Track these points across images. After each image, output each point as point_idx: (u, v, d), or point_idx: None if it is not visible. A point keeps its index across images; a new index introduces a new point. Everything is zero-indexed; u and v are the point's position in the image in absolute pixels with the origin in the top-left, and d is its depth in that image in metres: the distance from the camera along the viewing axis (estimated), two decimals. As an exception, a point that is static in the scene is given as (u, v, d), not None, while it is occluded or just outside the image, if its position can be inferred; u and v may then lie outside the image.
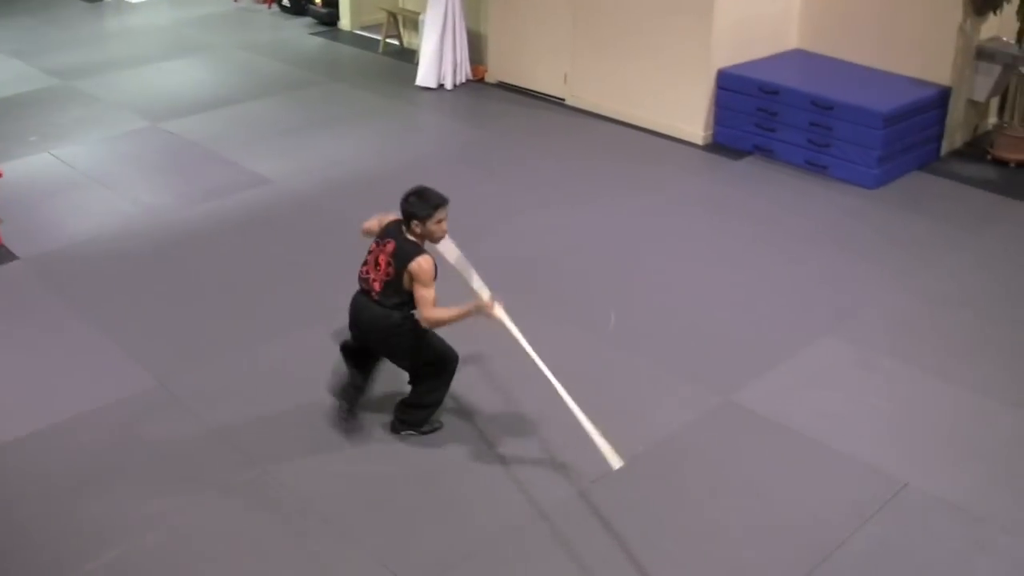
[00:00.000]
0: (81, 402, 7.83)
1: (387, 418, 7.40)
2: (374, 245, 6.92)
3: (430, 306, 6.73)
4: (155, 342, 8.59)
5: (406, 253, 6.76)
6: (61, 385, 8.09)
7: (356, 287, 7.08)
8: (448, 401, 7.50)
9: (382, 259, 6.83)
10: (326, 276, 9.53)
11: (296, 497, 6.81)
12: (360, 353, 7.30)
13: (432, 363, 7.17)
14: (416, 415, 7.34)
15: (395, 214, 6.96)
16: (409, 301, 6.84)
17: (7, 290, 9.55)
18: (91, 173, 11.98)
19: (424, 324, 6.84)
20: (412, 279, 6.75)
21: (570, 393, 7.18)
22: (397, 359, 7.21)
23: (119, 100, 14.51)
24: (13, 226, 10.53)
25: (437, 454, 7.21)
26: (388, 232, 6.89)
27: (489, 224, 10.46)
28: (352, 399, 7.37)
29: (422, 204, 6.75)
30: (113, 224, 10.65)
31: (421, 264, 6.71)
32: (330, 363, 8.04)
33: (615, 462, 6.43)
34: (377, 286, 6.87)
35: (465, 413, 7.57)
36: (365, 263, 6.97)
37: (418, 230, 6.78)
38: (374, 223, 7.20)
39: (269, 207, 11.01)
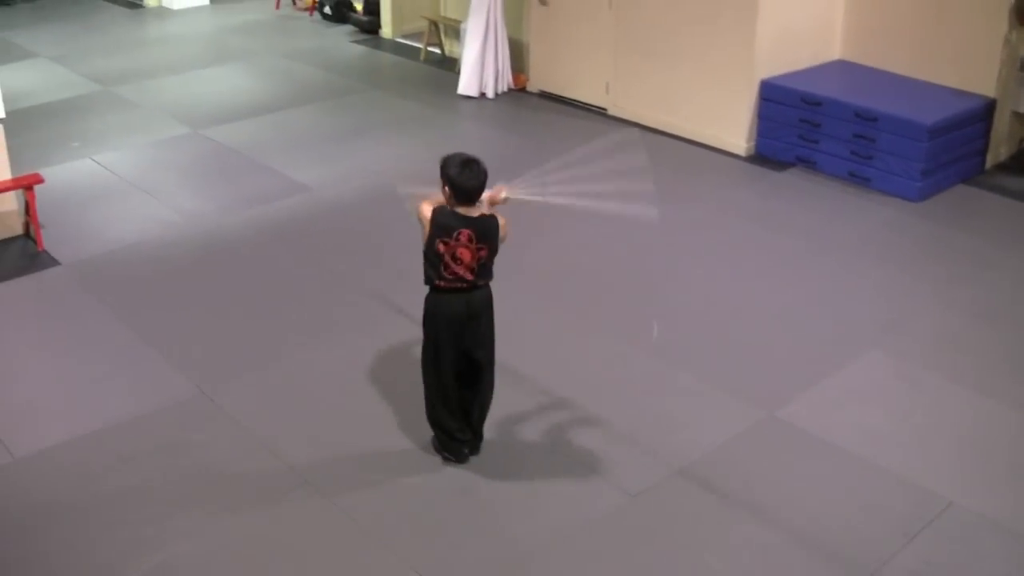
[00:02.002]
0: (123, 409, 7.84)
1: (428, 429, 7.36)
2: (441, 245, 6.62)
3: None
4: (196, 350, 8.59)
5: (489, 227, 6.71)
6: (102, 392, 8.11)
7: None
8: (489, 413, 7.41)
9: (464, 252, 6.63)
10: (366, 284, 9.53)
11: (336, 507, 6.79)
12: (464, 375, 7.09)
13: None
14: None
15: (434, 199, 6.81)
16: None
17: (49, 296, 9.58)
18: (132, 179, 12.01)
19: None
20: (500, 240, 6.80)
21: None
22: (489, 343, 7.08)
23: (160, 106, 14.56)
24: (55, 232, 10.57)
25: (476, 465, 7.17)
26: (450, 222, 6.63)
27: (531, 234, 10.41)
28: (471, 444, 7.30)
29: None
30: (154, 231, 10.67)
31: (503, 225, 6.77)
32: (369, 370, 8.08)
33: None
34: (470, 275, 6.70)
35: (502, 424, 7.54)
36: (442, 264, 6.66)
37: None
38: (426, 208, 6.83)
39: (310, 215, 11.01)
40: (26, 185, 10.41)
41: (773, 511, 6.79)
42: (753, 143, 12.59)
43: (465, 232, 6.62)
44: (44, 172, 11.22)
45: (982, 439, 7.55)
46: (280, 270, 9.90)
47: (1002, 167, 12.32)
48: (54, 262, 10.07)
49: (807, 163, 12.10)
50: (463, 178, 6.56)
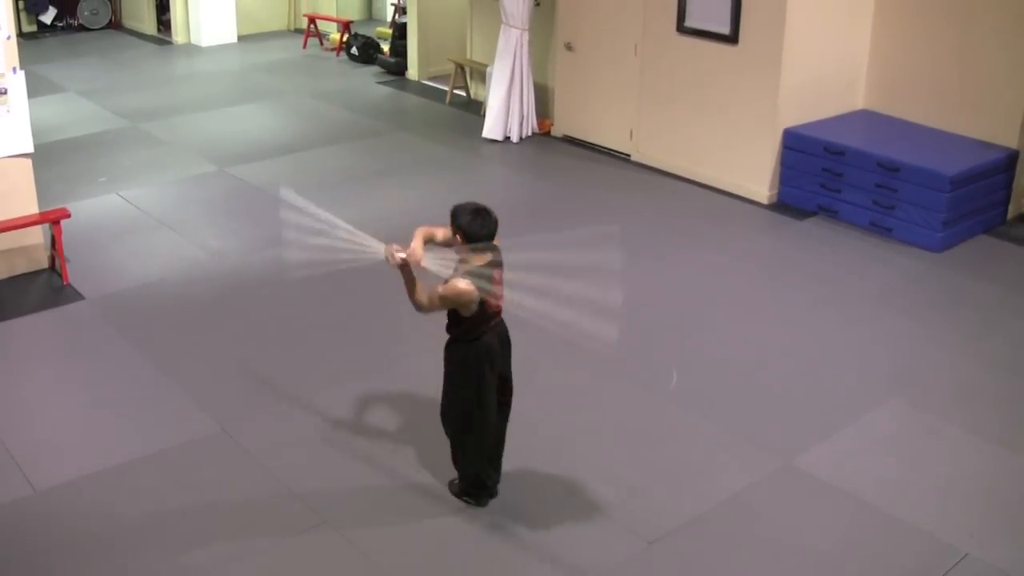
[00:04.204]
0: (143, 444, 7.89)
1: (451, 473, 7.38)
2: (498, 274, 6.75)
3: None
4: (218, 387, 8.64)
5: (500, 253, 6.83)
6: (124, 426, 8.16)
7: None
8: (507, 460, 7.42)
9: (500, 288, 6.76)
10: (388, 327, 9.57)
11: (356, 549, 6.81)
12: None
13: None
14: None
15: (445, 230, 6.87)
16: None
17: (72, 330, 9.65)
18: (158, 215, 12.10)
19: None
20: None
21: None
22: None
23: (187, 143, 14.67)
24: (80, 266, 10.66)
25: (493, 511, 7.19)
26: (487, 275, 6.69)
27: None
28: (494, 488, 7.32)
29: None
30: (179, 267, 10.75)
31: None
32: (388, 410, 8.10)
33: None
34: (502, 303, 6.85)
35: (520, 468, 7.56)
36: (490, 311, 6.77)
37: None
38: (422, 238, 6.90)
39: (334, 255, 11.05)
40: (53, 219, 10.51)
41: (789, 560, 6.79)
42: (775, 191, 12.63)
43: (497, 272, 6.73)
44: (71, 206, 11.31)
45: (1000, 491, 7.54)
46: (303, 310, 9.96)
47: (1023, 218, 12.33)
48: (78, 296, 10.15)
49: (829, 212, 12.13)
50: (475, 226, 6.64)
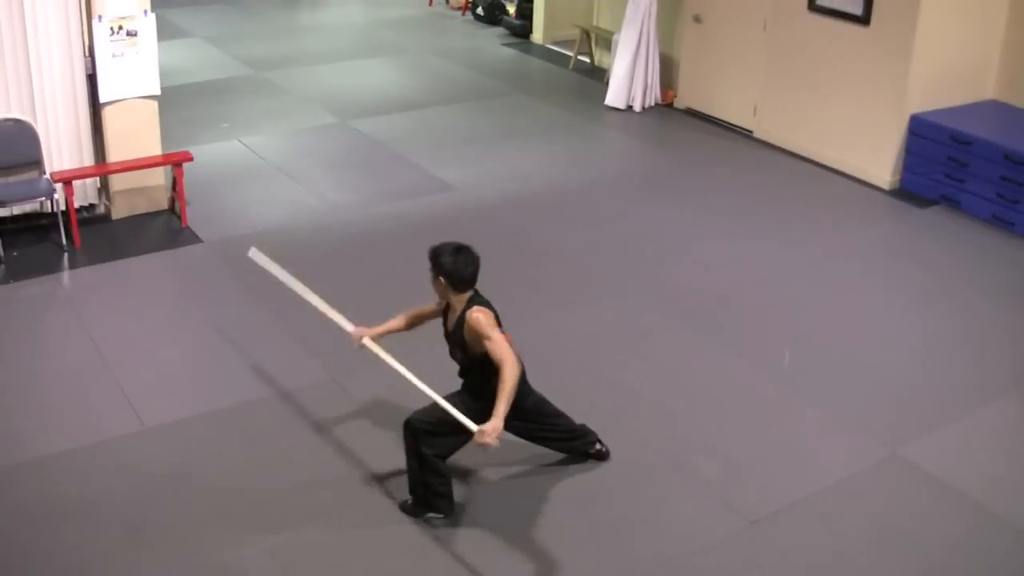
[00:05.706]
0: (252, 388, 8.02)
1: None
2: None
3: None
4: (328, 336, 8.67)
5: None
6: (234, 369, 8.28)
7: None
8: (614, 431, 7.50)
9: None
10: (502, 287, 9.56)
11: (462, 508, 6.87)
12: None
13: None
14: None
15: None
16: None
17: (189, 272, 9.79)
18: (278, 164, 12.21)
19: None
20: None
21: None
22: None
23: (309, 94, 14.77)
24: (199, 209, 10.80)
25: (598, 478, 7.20)
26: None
27: (669, 252, 10.42)
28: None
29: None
30: (297, 216, 10.84)
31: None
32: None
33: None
34: None
35: (626, 441, 7.55)
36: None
37: None
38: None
39: (451, 214, 11.09)
40: (176, 162, 10.64)
41: (890, 550, 6.72)
42: (898, 177, 12.45)
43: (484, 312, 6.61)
44: (192, 150, 11.42)
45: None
46: (418, 266, 9.95)
47: None
48: (196, 239, 10.29)
49: (951, 202, 11.94)
50: (459, 265, 6.54)
